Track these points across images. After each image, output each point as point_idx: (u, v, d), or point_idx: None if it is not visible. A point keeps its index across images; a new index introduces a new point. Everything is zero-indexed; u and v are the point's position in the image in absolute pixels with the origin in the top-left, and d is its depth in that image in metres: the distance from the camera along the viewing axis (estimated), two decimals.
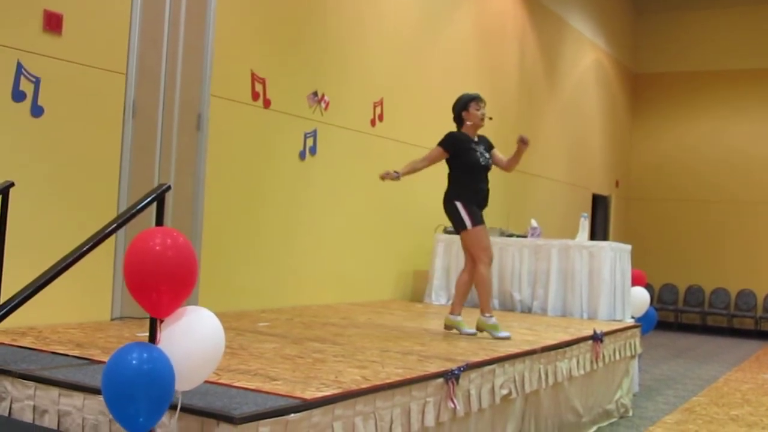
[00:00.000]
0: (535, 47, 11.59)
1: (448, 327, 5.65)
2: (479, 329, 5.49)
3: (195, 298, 5.34)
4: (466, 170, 5.58)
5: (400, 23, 8.31)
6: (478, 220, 5.52)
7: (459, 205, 5.52)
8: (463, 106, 5.69)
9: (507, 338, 5.30)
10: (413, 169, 5.63)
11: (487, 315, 5.49)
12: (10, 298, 3.19)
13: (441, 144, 5.61)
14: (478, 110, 5.66)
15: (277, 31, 6.63)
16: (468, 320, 5.64)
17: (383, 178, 5.57)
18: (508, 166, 5.86)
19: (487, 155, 5.68)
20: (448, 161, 5.65)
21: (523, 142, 5.63)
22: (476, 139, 5.70)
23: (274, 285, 6.62)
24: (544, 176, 12.03)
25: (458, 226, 5.57)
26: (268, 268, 6.55)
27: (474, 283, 5.63)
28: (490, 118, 5.82)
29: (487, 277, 5.54)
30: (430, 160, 5.62)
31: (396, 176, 5.55)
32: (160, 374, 2.54)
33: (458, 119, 5.72)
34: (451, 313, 5.67)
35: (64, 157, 4.96)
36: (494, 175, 10.35)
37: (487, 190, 5.67)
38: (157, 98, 5.51)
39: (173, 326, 2.71)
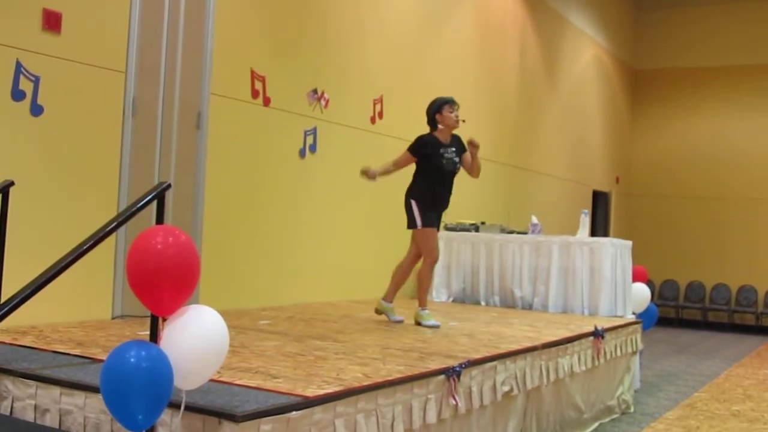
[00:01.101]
0: (535, 44, 11.58)
1: (378, 312, 5.97)
2: (416, 321, 5.78)
3: (196, 297, 5.34)
4: (429, 174, 5.77)
5: (400, 20, 8.30)
6: (428, 222, 5.76)
7: (414, 203, 5.76)
8: (437, 108, 5.84)
9: (436, 326, 5.62)
10: (386, 171, 5.89)
11: (421, 308, 5.79)
12: (11, 297, 3.19)
13: (409, 149, 5.82)
14: (451, 113, 5.82)
15: (277, 28, 6.63)
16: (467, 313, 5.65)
17: (363, 173, 5.86)
18: (471, 172, 6.01)
19: (456, 159, 5.83)
20: (416, 162, 5.83)
21: (473, 145, 5.79)
22: (448, 142, 5.83)
23: (274, 283, 6.61)
24: (545, 173, 12.02)
25: (410, 223, 5.82)
26: (269, 266, 6.55)
27: (419, 282, 5.91)
28: (464, 121, 5.94)
29: (426, 274, 5.88)
30: (399, 165, 5.87)
31: (373, 176, 5.85)
32: (159, 372, 2.53)
33: (432, 122, 5.87)
34: (384, 299, 5.96)
35: (64, 156, 4.96)
36: (495, 172, 10.39)
37: (449, 193, 5.87)
38: (156, 96, 5.50)
39: (175, 325, 2.71)
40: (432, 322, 5.68)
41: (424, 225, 5.73)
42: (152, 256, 2.63)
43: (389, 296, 5.95)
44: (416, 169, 5.83)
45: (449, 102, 5.83)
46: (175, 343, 2.66)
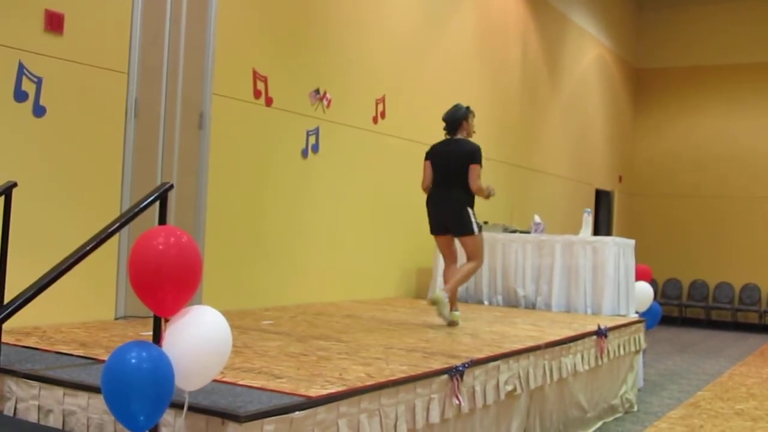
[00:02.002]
0: (537, 43, 11.57)
1: (452, 324, 5.83)
2: (452, 323, 5.81)
3: (199, 297, 5.35)
4: None
5: (402, 20, 8.30)
6: (480, 228, 6.01)
7: (471, 212, 5.92)
8: (464, 115, 6.02)
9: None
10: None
11: (455, 309, 5.89)
12: (14, 298, 3.19)
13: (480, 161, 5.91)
14: (473, 121, 6.09)
15: (279, 28, 6.63)
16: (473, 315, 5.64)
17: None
18: None
19: None
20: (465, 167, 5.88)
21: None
22: None
23: (277, 283, 6.62)
24: (547, 172, 12.02)
25: (466, 230, 5.91)
26: (272, 266, 6.55)
27: (461, 275, 5.98)
28: (474, 132, 6.16)
29: (471, 274, 6.11)
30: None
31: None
32: (160, 373, 2.53)
33: (458, 127, 5.98)
34: (455, 309, 5.91)
35: (66, 157, 4.96)
36: (498, 172, 10.39)
37: None
38: (159, 97, 5.51)
39: (177, 325, 2.71)
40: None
41: (479, 231, 5.96)
42: (154, 257, 2.63)
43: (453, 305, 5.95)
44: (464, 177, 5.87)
45: (472, 111, 6.08)
46: (178, 343, 2.66)
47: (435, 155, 5.98)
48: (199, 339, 2.69)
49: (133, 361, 2.50)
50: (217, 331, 2.75)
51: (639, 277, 7.71)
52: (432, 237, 6.13)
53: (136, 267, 2.66)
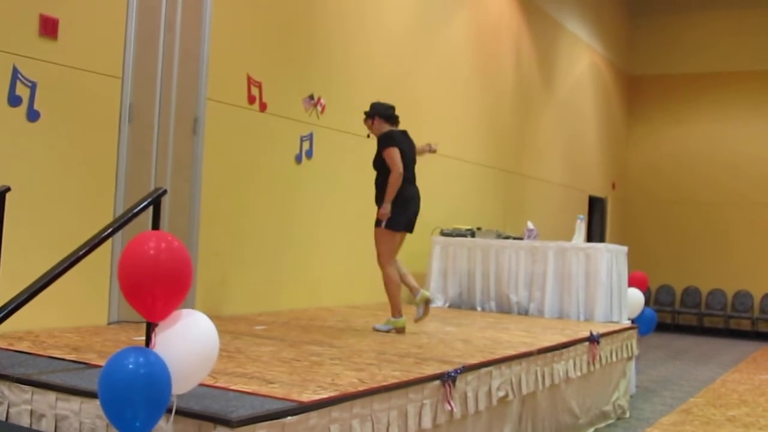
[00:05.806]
0: (530, 50, 11.62)
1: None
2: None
3: (192, 302, 5.35)
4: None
5: (396, 26, 8.32)
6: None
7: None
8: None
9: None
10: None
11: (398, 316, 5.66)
12: (7, 302, 3.20)
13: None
14: None
15: (273, 34, 6.64)
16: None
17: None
18: None
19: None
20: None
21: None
22: None
23: (271, 288, 6.62)
24: (541, 178, 12.05)
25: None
26: (265, 271, 6.56)
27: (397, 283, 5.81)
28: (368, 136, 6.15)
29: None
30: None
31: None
32: (157, 378, 2.54)
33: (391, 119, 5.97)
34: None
35: (60, 162, 4.96)
36: (492, 178, 10.41)
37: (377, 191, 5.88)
38: (153, 102, 5.51)
39: (168, 330, 2.72)
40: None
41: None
42: (144, 262, 2.63)
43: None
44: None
45: None
46: (168, 347, 2.67)
47: (402, 143, 5.77)
48: (189, 342, 2.70)
49: (131, 366, 2.51)
50: (204, 334, 2.75)
51: (634, 284, 7.72)
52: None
53: (127, 272, 2.66)
